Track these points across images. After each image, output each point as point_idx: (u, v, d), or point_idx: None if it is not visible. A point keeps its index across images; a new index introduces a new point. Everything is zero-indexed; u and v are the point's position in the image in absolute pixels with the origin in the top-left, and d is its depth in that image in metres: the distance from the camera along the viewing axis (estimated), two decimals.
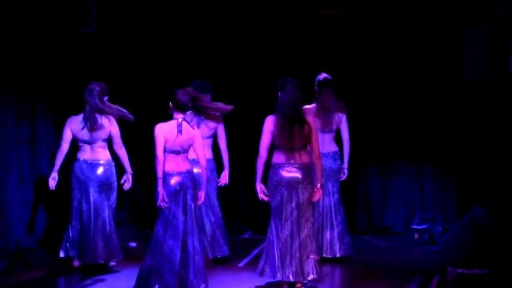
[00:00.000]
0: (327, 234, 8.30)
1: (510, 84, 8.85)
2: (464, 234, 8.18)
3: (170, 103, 7.09)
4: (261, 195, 7.26)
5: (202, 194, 7.16)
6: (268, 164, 7.26)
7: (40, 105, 9.24)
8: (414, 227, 9.51)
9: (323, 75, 8.30)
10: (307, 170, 7.23)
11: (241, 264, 8.34)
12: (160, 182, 7.00)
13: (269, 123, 7.18)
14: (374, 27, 9.76)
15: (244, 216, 10.24)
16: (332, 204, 8.35)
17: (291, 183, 7.18)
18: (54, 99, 9.54)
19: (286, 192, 7.19)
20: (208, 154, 8.04)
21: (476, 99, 9.47)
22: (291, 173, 7.20)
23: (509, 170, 9.00)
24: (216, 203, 8.32)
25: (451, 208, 9.73)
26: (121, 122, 10.15)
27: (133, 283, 7.28)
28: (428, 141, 9.85)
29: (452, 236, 8.56)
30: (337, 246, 8.32)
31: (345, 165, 8.49)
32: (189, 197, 7.07)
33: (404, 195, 10.07)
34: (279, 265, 7.15)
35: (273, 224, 7.24)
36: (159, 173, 7.00)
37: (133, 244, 9.19)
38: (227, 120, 10.07)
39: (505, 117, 9.07)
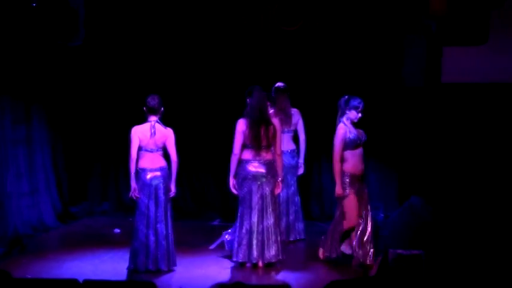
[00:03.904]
0: (283, 221, 8.30)
1: (442, 91, 8.93)
2: (402, 220, 8.24)
3: (144, 108, 7.09)
4: (233, 189, 7.29)
5: (173, 187, 7.13)
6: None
7: (35, 110, 9.20)
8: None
9: (278, 84, 8.31)
10: (271, 166, 7.28)
11: (211, 247, 8.31)
12: (132, 177, 7.01)
13: (240, 125, 7.22)
14: (326, 41, 9.78)
15: (214, 205, 10.22)
16: (288, 195, 8.37)
17: (257, 177, 7.21)
18: (47, 104, 9.49)
19: (252, 185, 7.22)
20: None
21: (414, 104, 9.53)
22: (256, 168, 7.24)
23: (441, 164, 9.07)
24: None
25: (391, 197, 9.76)
26: (109, 125, 10.15)
27: (117, 265, 7.28)
28: (373, 141, 9.85)
29: (392, 221, 8.62)
30: (290, 232, 8.36)
31: (301, 160, 8.51)
32: (160, 190, 7.07)
33: None
34: (247, 248, 7.19)
35: (241, 212, 7.27)
36: (132, 169, 7.01)
37: (117, 230, 9.14)
38: (201, 123, 10.11)
39: (438, 120, 9.15)
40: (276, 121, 7.36)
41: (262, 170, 7.24)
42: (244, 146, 7.25)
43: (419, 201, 8.65)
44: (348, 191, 7.16)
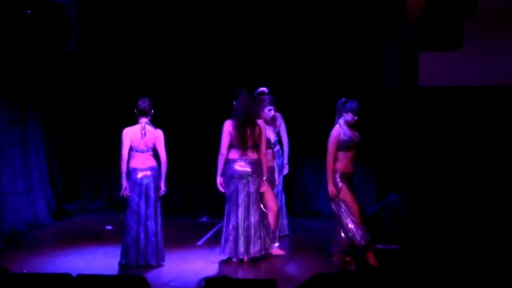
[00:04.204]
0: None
1: (418, 94, 9.00)
2: (381, 216, 8.31)
3: (135, 110, 7.13)
4: (220, 188, 7.31)
5: (162, 185, 7.18)
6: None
7: (30, 111, 9.20)
8: None
9: (262, 88, 8.28)
10: (256, 165, 7.29)
11: (199, 243, 8.34)
12: (123, 176, 7.03)
13: (227, 126, 7.23)
14: (308, 47, 9.85)
15: (202, 203, 10.25)
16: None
17: (243, 176, 7.24)
18: (42, 106, 9.49)
19: (238, 183, 7.24)
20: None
21: (392, 105, 9.58)
22: (243, 167, 7.26)
23: (417, 163, 9.15)
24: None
25: (370, 195, 9.79)
26: (102, 126, 10.18)
27: (108, 260, 7.29)
28: None
29: (371, 218, 8.69)
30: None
31: (285, 161, 8.54)
32: (150, 189, 7.09)
33: None
34: (234, 244, 7.22)
35: (228, 209, 7.30)
36: (123, 169, 7.03)
37: (109, 227, 9.16)
38: (189, 125, 10.14)
39: (414, 121, 9.22)
40: (261, 122, 7.41)
41: (248, 169, 7.27)
42: (231, 146, 7.26)
43: (397, 198, 8.72)
44: (340, 185, 7.12)
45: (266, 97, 7.77)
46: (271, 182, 7.70)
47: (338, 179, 7.14)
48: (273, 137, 7.77)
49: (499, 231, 7.42)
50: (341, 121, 7.17)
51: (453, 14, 7.36)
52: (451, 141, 8.90)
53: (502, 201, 7.58)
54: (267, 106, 7.72)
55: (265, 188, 7.38)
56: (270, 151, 7.69)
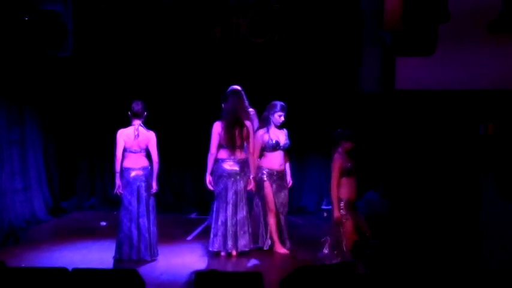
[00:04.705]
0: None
1: (395, 97, 9.07)
2: (361, 212, 8.37)
3: (128, 112, 7.17)
4: (209, 186, 7.35)
5: (154, 184, 7.23)
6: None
7: (27, 112, 9.20)
8: (323, 207, 9.65)
9: (234, 86, 7.66)
10: (244, 164, 7.35)
11: (189, 238, 8.39)
12: (117, 175, 7.08)
13: (216, 127, 7.28)
14: (292, 52, 9.91)
15: (191, 200, 10.28)
16: None
17: (231, 174, 7.29)
18: (39, 107, 9.50)
19: (227, 182, 7.29)
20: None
21: (371, 108, 9.61)
22: (231, 166, 7.31)
23: (395, 162, 9.21)
24: None
25: None
26: (96, 127, 10.19)
27: (103, 255, 7.33)
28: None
29: None
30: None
31: None
32: (142, 188, 7.14)
33: (315, 183, 10.18)
34: (223, 239, 7.27)
35: (217, 206, 7.35)
36: (117, 168, 7.07)
37: (103, 223, 9.19)
38: (180, 126, 10.16)
39: (392, 122, 9.29)
40: (248, 123, 7.45)
41: (236, 168, 7.32)
42: (220, 146, 7.30)
43: (376, 195, 8.79)
44: (345, 215, 6.97)
45: (277, 103, 7.69)
46: (282, 186, 7.65)
47: (344, 208, 7.00)
48: (283, 140, 7.66)
49: (471, 228, 7.51)
50: (340, 149, 7.17)
51: (428, 21, 7.43)
52: (427, 141, 8.97)
53: (474, 199, 7.67)
54: (277, 112, 7.65)
55: (252, 185, 7.42)
56: (281, 153, 7.63)
